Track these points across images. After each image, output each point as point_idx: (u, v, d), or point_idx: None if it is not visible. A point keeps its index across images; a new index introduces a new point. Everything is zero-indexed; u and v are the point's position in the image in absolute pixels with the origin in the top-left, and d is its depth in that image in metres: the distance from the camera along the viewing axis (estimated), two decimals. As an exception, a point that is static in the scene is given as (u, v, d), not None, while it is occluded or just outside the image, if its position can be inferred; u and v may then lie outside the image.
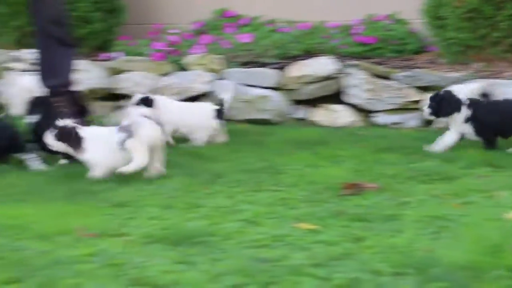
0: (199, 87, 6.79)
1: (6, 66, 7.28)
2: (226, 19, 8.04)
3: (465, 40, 6.44)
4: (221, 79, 6.88)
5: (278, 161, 4.89)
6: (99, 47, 7.79)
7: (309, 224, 3.58)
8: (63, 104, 5.40)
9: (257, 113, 6.67)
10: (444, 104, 5.12)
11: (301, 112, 6.73)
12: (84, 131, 4.58)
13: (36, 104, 5.33)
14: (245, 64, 7.01)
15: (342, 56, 6.98)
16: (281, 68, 6.86)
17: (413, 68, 6.51)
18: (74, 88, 5.59)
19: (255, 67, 6.92)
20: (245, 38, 7.32)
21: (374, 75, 6.49)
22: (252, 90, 6.71)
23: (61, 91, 5.49)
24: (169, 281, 2.92)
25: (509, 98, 5.22)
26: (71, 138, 4.54)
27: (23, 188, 4.31)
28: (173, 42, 7.48)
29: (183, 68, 7.07)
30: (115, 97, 6.95)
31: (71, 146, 4.55)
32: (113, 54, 7.44)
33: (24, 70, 7.29)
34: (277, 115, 6.69)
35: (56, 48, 5.53)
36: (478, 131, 5.08)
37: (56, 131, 4.57)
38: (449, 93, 5.19)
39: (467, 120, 5.08)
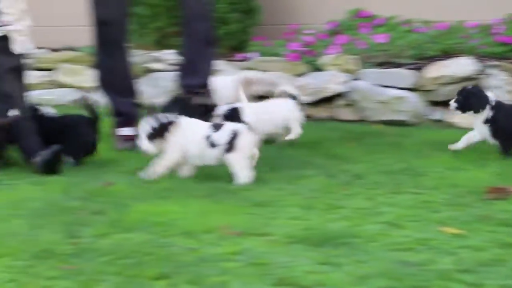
0: (334, 88, 6.79)
1: (147, 66, 7.49)
2: (360, 19, 7.99)
3: None
4: (356, 79, 6.85)
5: (417, 163, 4.82)
6: (234, 48, 7.90)
7: (453, 228, 3.51)
8: (197, 103, 5.51)
9: (393, 114, 6.60)
10: (472, 100, 5.02)
11: (438, 114, 6.61)
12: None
13: (172, 103, 5.45)
14: (380, 65, 6.95)
15: (481, 56, 6.81)
16: (417, 68, 6.76)
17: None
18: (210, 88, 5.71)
19: (390, 68, 6.85)
20: (380, 38, 7.25)
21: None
22: (387, 91, 6.65)
23: (198, 91, 5.61)
24: (313, 282, 2.93)
25: None
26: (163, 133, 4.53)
27: (165, 185, 4.41)
28: (308, 43, 7.50)
29: (318, 69, 7.07)
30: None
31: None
32: (248, 55, 7.52)
33: (163, 71, 7.50)
34: (413, 116, 6.60)
35: (199, 47, 5.66)
36: (494, 134, 4.98)
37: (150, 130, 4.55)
38: (477, 89, 5.13)
39: (487, 121, 4.98)
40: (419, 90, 6.65)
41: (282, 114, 5.59)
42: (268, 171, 4.71)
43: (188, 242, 3.43)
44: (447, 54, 6.94)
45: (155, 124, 4.52)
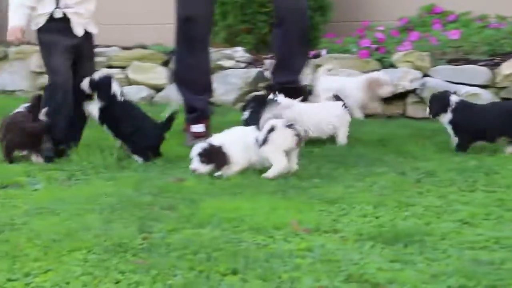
0: (406, 85, 6.71)
1: (217, 64, 7.53)
2: (433, 16, 7.89)
3: None
4: (427, 76, 6.76)
5: (490, 160, 4.73)
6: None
7: (525, 229, 3.44)
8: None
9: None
10: (434, 105, 5.22)
11: None
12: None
13: (253, 101, 5.47)
14: (453, 61, 6.84)
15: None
16: (492, 65, 6.63)
17: None
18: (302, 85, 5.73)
19: (463, 65, 6.73)
20: (453, 34, 7.13)
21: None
22: (461, 87, 6.53)
23: (289, 87, 5.61)
24: (384, 279, 2.90)
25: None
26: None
27: (236, 181, 4.43)
28: (379, 40, 7.43)
29: (390, 65, 7.00)
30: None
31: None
32: (321, 52, 7.49)
33: (233, 68, 7.54)
34: (486, 114, 6.46)
35: (292, 45, 5.69)
36: (455, 133, 5.15)
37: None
38: (440, 94, 5.28)
39: (449, 122, 5.16)
40: (493, 87, 6.52)
41: (328, 118, 5.54)
42: (338, 168, 4.68)
43: (258, 238, 3.43)
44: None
45: (206, 147, 4.57)
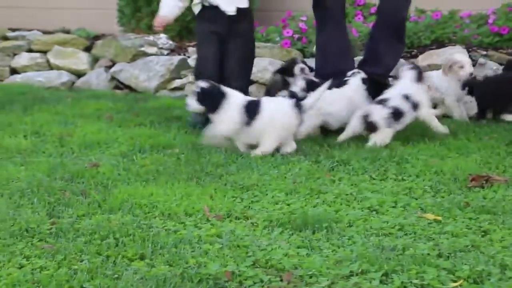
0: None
1: (141, 50, 7.49)
2: (356, 7, 7.98)
3: None
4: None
5: (402, 150, 4.82)
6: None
7: (433, 215, 3.53)
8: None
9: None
10: None
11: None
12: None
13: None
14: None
15: (474, 46, 6.80)
16: (409, 57, 6.75)
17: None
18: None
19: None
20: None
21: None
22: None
23: (379, 79, 5.62)
24: (290, 264, 2.95)
25: None
26: None
27: (151, 167, 4.42)
28: (302, 29, 7.48)
29: (311, 55, 7.05)
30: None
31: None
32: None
33: (156, 55, 7.50)
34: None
35: (387, 40, 5.70)
36: None
37: None
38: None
39: None
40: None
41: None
42: (255, 156, 4.71)
43: (169, 224, 3.44)
44: (439, 43, 6.94)
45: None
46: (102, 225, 3.35)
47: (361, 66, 5.79)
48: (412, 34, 7.05)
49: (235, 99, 4.82)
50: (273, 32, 7.63)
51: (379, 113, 4.99)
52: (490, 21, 7.10)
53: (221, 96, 4.79)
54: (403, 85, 5.17)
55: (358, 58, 6.13)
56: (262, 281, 2.83)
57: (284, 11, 8.11)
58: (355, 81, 5.43)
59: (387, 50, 5.75)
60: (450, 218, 3.50)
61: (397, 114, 5.00)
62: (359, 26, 7.38)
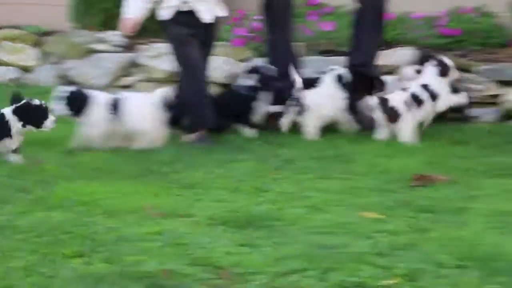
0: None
1: (91, 47, 7.42)
2: (309, 7, 7.99)
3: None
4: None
5: (348, 149, 4.84)
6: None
7: (375, 213, 3.56)
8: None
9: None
10: None
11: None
12: None
13: None
14: (325, 53, 6.96)
15: (424, 47, 6.86)
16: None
17: (496, 62, 6.34)
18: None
19: (335, 56, 6.86)
20: (327, 26, 7.26)
21: (455, 67, 6.34)
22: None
23: (364, 72, 5.62)
24: (229, 262, 2.96)
25: None
26: None
27: (96, 165, 4.39)
28: (255, 29, 7.48)
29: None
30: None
31: None
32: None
33: (107, 52, 7.44)
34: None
35: (365, 28, 5.76)
36: None
37: None
38: None
39: None
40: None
41: None
42: (202, 154, 4.71)
43: (110, 222, 3.43)
44: (389, 44, 6.98)
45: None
46: (41, 222, 3.32)
47: (348, 60, 5.86)
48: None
49: (99, 99, 4.86)
50: (225, 31, 7.61)
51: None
52: (441, 23, 7.16)
53: (85, 98, 4.85)
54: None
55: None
56: (200, 279, 2.83)
57: (236, 10, 8.09)
58: (329, 78, 5.49)
59: (367, 40, 5.83)
60: (391, 216, 3.53)
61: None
62: (312, 26, 7.40)
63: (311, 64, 6.74)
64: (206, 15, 5.30)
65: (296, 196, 3.86)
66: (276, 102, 5.58)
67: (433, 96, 5.19)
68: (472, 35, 6.96)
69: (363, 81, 5.48)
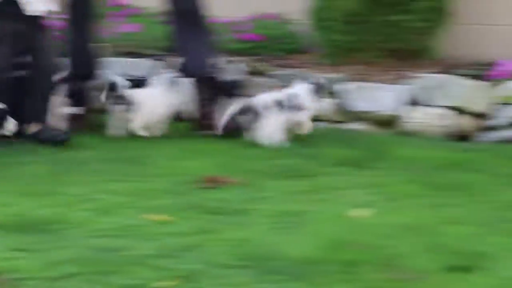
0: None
1: None
2: (114, 8, 7.90)
3: (347, 43, 6.52)
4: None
5: (142, 152, 4.79)
6: None
7: (163, 216, 3.55)
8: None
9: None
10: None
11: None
12: None
13: None
14: (130, 54, 6.91)
15: (221, 52, 6.95)
16: (161, 60, 6.78)
17: (292, 68, 6.54)
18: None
19: (141, 58, 6.83)
20: (132, 28, 7.22)
21: (250, 72, 6.48)
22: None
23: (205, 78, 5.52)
24: (6, 268, 2.85)
25: None
26: None
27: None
28: (57, 28, 7.30)
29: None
30: None
31: None
32: None
33: None
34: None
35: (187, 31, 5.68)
36: None
37: None
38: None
39: None
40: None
41: None
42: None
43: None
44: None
45: None
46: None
47: (181, 64, 5.78)
48: (166, 38, 7.08)
49: None
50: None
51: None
52: (240, 28, 7.28)
53: None
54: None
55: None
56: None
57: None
58: (160, 81, 5.50)
59: (194, 43, 5.75)
60: (181, 218, 3.54)
61: None
62: (116, 27, 7.32)
63: (115, 65, 6.69)
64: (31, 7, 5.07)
65: (84, 199, 3.78)
66: (76, 103, 5.50)
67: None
68: (271, 41, 7.16)
69: (205, 85, 5.49)
